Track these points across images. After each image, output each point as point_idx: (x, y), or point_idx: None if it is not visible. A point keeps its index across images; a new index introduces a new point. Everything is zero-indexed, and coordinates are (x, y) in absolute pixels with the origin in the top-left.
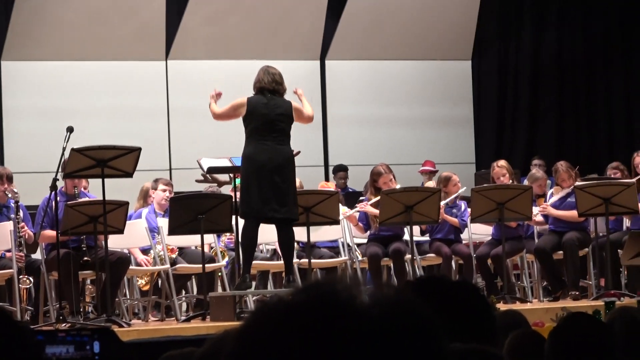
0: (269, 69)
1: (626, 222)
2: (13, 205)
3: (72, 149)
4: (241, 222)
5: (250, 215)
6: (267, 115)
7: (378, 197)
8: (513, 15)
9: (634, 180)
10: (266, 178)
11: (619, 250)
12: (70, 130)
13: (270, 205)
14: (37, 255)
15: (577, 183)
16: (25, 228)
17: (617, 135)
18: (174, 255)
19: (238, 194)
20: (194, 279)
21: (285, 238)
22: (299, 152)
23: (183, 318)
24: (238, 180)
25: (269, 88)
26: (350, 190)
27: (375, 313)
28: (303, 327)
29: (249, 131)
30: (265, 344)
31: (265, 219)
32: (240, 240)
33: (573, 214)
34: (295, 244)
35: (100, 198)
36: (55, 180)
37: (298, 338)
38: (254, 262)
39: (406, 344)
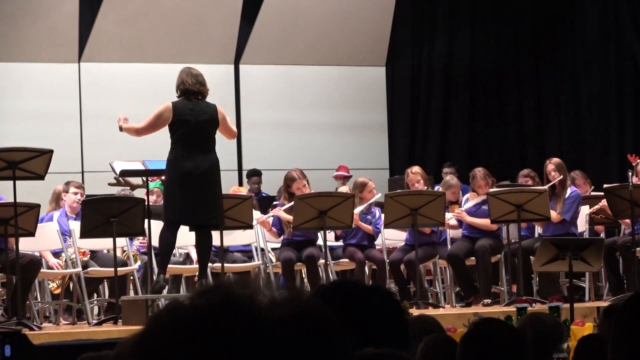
0: (191, 71)
1: (538, 229)
2: None
3: None
4: (154, 225)
5: (175, 222)
6: (193, 122)
7: (292, 202)
8: (427, 21)
9: (546, 187)
10: (192, 185)
11: (530, 257)
12: None
13: (196, 212)
14: None
15: (490, 190)
16: None
17: (528, 142)
18: (85, 259)
19: (151, 197)
20: (105, 283)
21: (204, 242)
22: None
23: (94, 322)
24: (151, 184)
25: (194, 90)
26: (263, 195)
27: (274, 316)
28: (201, 331)
29: (174, 138)
30: (163, 349)
31: (189, 224)
32: (157, 242)
33: (486, 221)
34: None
35: (11, 200)
36: None
37: (196, 342)
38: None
39: (306, 347)
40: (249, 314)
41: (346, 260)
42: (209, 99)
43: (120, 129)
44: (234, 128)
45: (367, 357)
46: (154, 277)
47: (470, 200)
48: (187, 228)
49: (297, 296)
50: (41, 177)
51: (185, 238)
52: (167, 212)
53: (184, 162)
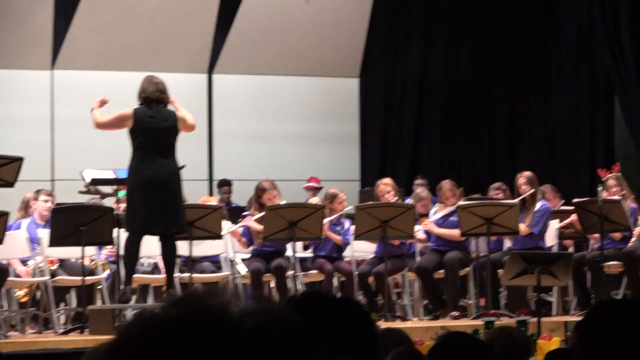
0: (152, 79)
1: (507, 242)
2: None
3: None
4: (123, 235)
5: (137, 230)
6: (154, 129)
7: (262, 213)
8: (401, 34)
9: (516, 201)
10: (153, 192)
11: (499, 270)
12: None
13: (157, 219)
14: None
15: (460, 202)
16: None
17: (499, 155)
18: (54, 267)
19: (121, 206)
20: (73, 292)
21: (169, 251)
22: (184, 166)
23: (61, 331)
24: (121, 193)
25: (154, 97)
26: (234, 205)
27: (247, 326)
28: (173, 341)
29: (135, 145)
30: (135, 359)
31: (152, 233)
32: (123, 252)
33: (455, 233)
34: (177, 258)
35: None
36: None
37: (168, 353)
38: (134, 275)
39: (279, 357)
40: (221, 324)
41: (315, 271)
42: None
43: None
44: (190, 119)
45: None
46: (122, 287)
47: (438, 212)
48: (154, 238)
49: (269, 306)
50: (11, 184)
51: (153, 248)
52: (129, 221)
53: (144, 170)
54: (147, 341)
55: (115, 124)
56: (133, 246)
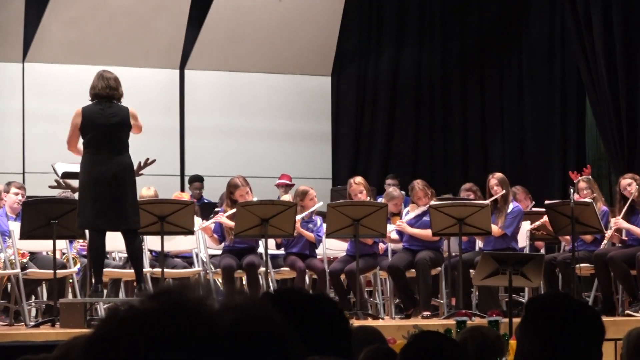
0: (104, 74)
1: (479, 243)
2: None
3: None
4: None
5: (84, 226)
6: (104, 125)
7: (234, 209)
8: (374, 33)
9: (488, 201)
10: (102, 190)
11: (470, 270)
12: None
13: (106, 217)
14: None
15: (432, 202)
16: None
17: (471, 156)
18: (24, 260)
19: None
20: (44, 285)
21: (132, 247)
22: (154, 161)
23: (32, 324)
24: None
25: (103, 94)
26: (205, 201)
27: (226, 320)
28: (153, 334)
29: (85, 141)
30: (114, 352)
31: (100, 230)
32: (87, 249)
33: (428, 233)
34: (149, 253)
35: None
36: None
37: (148, 346)
38: (105, 270)
39: (258, 351)
40: (200, 318)
41: (287, 269)
42: (153, 103)
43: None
44: (141, 124)
45: None
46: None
47: (410, 212)
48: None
49: (248, 301)
50: None
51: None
52: (78, 217)
53: (94, 166)
54: (126, 335)
55: (74, 133)
56: (97, 245)
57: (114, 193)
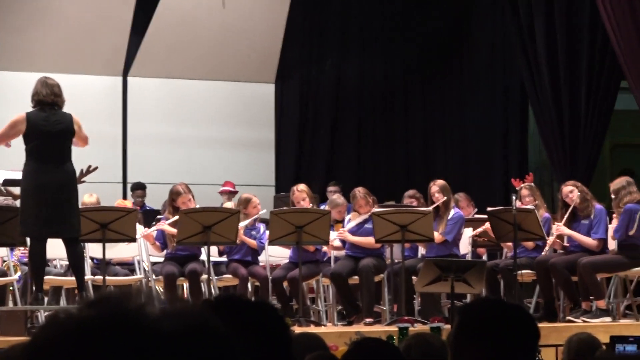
0: (47, 80)
1: (421, 250)
2: None
3: None
4: None
5: (28, 234)
6: (48, 133)
7: (176, 217)
8: (317, 41)
9: (430, 208)
10: (46, 197)
11: (413, 277)
12: None
13: (50, 224)
14: None
15: (375, 209)
16: None
17: (414, 163)
18: None
19: None
20: None
21: (74, 255)
22: (96, 168)
23: None
24: None
25: (47, 101)
26: (148, 208)
27: (166, 327)
28: (92, 342)
29: (29, 149)
30: None
31: (44, 238)
32: (28, 257)
33: (370, 240)
34: (90, 260)
35: None
36: None
37: (87, 353)
38: (46, 277)
39: (199, 359)
40: (140, 325)
41: (229, 276)
42: (95, 111)
43: None
44: (86, 135)
45: None
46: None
47: (352, 220)
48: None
49: (188, 309)
50: None
51: (64, 250)
52: (21, 225)
53: (38, 174)
54: (64, 342)
55: (9, 132)
56: (37, 253)
57: (59, 201)
